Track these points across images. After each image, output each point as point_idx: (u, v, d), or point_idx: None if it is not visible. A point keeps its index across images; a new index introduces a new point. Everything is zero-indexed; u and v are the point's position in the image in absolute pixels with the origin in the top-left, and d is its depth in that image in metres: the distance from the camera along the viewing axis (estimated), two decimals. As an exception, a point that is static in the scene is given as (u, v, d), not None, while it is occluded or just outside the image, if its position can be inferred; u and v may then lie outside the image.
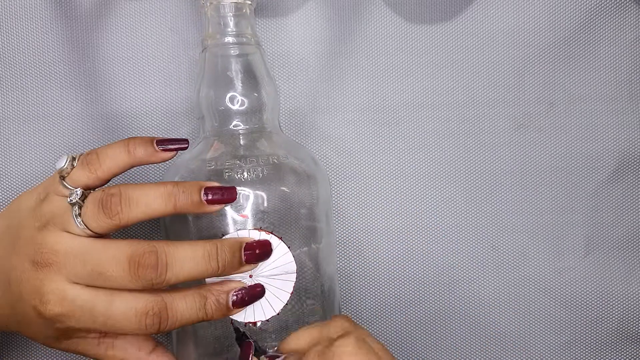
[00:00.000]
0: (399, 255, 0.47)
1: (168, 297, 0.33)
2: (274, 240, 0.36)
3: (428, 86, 0.47)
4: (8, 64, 0.45)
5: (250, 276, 0.36)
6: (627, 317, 0.48)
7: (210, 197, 0.33)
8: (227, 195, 0.34)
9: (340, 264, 0.47)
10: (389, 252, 0.47)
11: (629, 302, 0.48)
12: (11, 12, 0.45)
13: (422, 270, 0.47)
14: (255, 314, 0.36)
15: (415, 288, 0.47)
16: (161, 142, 0.35)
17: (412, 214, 0.47)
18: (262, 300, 0.36)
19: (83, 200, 0.33)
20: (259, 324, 0.36)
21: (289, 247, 0.36)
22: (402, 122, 0.47)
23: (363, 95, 0.47)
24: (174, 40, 0.46)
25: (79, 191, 0.33)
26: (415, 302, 0.47)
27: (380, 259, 0.47)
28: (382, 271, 0.47)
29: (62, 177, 0.34)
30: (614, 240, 0.48)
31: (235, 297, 0.34)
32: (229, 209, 0.36)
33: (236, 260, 0.34)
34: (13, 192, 0.46)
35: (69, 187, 0.34)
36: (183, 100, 0.46)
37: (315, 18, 0.46)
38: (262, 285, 0.35)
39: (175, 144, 0.36)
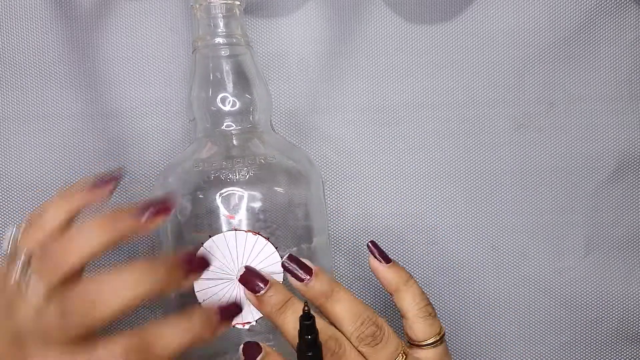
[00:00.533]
0: (399, 256, 0.47)
1: (146, 329, 0.31)
2: (261, 241, 0.35)
3: (428, 86, 0.47)
4: (8, 64, 0.45)
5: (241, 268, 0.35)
6: (627, 317, 0.48)
7: (149, 213, 0.31)
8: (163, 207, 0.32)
9: (339, 264, 0.47)
10: (389, 252, 0.47)
11: (629, 302, 0.48)
12: (11, 12, 0.45)
13: (422, 270, 0.47)
14: (243, 315, 0.36)
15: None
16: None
17: (412, 214, 0.47)
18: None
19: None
20: (247, 326, 0.36)
21: (276, 248, 0.36)
22: (402, 122, 0.47)
23: (363, 96, 0.47)
24: (174, 40, 0.46)
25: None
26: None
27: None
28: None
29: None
30: (614, 240, 0.48)
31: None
32: (221, 209, 0.36)
33: (174, 277, 0.32)
34: (13, 192, 0.46)
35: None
36: (182, 100, 0.46)
37: (315, 18, 0.46)
38: (237, 304, 0.34)
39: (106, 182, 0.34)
